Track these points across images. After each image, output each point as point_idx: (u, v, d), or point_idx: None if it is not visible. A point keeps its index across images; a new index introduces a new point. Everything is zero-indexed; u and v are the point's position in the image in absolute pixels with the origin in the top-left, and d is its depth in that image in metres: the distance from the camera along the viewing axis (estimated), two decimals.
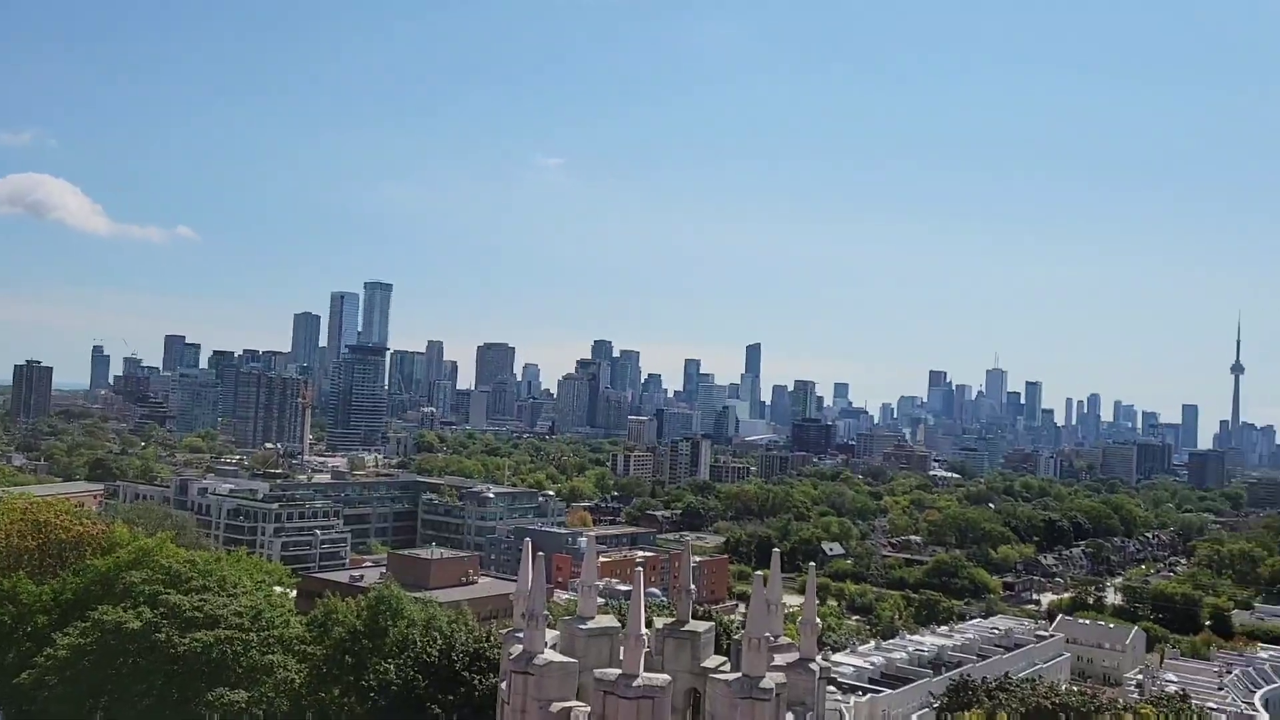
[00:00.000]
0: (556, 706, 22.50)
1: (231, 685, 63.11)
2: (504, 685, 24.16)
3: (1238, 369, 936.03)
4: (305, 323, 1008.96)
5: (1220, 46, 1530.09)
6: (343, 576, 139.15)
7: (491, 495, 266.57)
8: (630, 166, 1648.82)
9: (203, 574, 72.15)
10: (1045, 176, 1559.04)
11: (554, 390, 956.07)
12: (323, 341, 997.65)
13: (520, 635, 23.94)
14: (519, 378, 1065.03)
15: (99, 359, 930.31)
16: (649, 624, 26.26)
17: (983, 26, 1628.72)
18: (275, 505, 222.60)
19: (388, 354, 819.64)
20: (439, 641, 65.53)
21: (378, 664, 65.16)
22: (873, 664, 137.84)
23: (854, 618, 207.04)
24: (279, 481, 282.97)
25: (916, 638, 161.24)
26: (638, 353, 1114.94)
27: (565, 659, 23.62)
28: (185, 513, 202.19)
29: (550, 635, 24.92)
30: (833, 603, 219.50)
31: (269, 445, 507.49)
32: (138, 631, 63.35)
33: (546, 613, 24.21)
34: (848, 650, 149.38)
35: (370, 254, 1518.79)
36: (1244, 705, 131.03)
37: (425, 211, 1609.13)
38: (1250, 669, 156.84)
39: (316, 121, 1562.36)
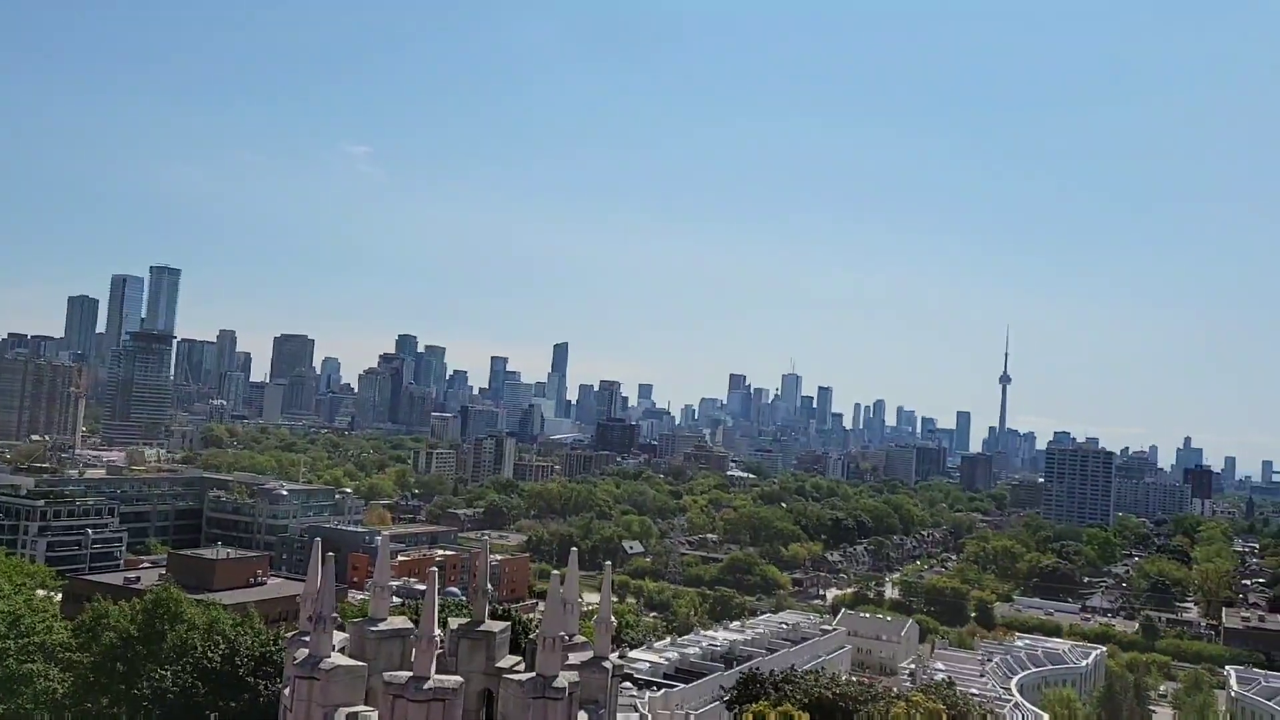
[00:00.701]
0: (343, 712, 21.92)
1: None
2: (287, 691, 23.33)
3: (1005, 379, 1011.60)
4: (81, 306, 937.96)
5: (981, 76, 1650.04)
6: (116, 578, 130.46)
7: (285, 492, 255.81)
8: (440, 160, 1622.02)
9: None
10: (837, 191, 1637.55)
11: (355, 385, 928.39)
12: (101, 327, 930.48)
13: (306, 639, 23.17)
14: (318, 371, 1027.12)
15: None
16: (444, 625, 25.96)
17: (774, 45, 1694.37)
18: (41, 502, 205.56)
19: (174, 343, 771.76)
20: (221, 646, 62.47)
21: (153, 671, 61.41)
22: (668, 660, 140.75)
23: (652, 614, 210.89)
24: (46, 477, 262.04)
25: (710, 633, 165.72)
26: (443, 349, 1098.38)
27: (353, 662, 23.04)
28: None
29: (340, 638, 24.25)
30: (631, 600, 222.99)
31: (36, 437, 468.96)
32: None
33: (336, 615, 23.53)
34: (644, 647, 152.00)
35: (157, 237, 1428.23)
36: (1002, 690, 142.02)
37: (219, 195, 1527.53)
38: (1008, 657, 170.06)
39: (100, 94, 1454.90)
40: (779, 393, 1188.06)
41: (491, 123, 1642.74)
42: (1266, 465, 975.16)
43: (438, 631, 23.04)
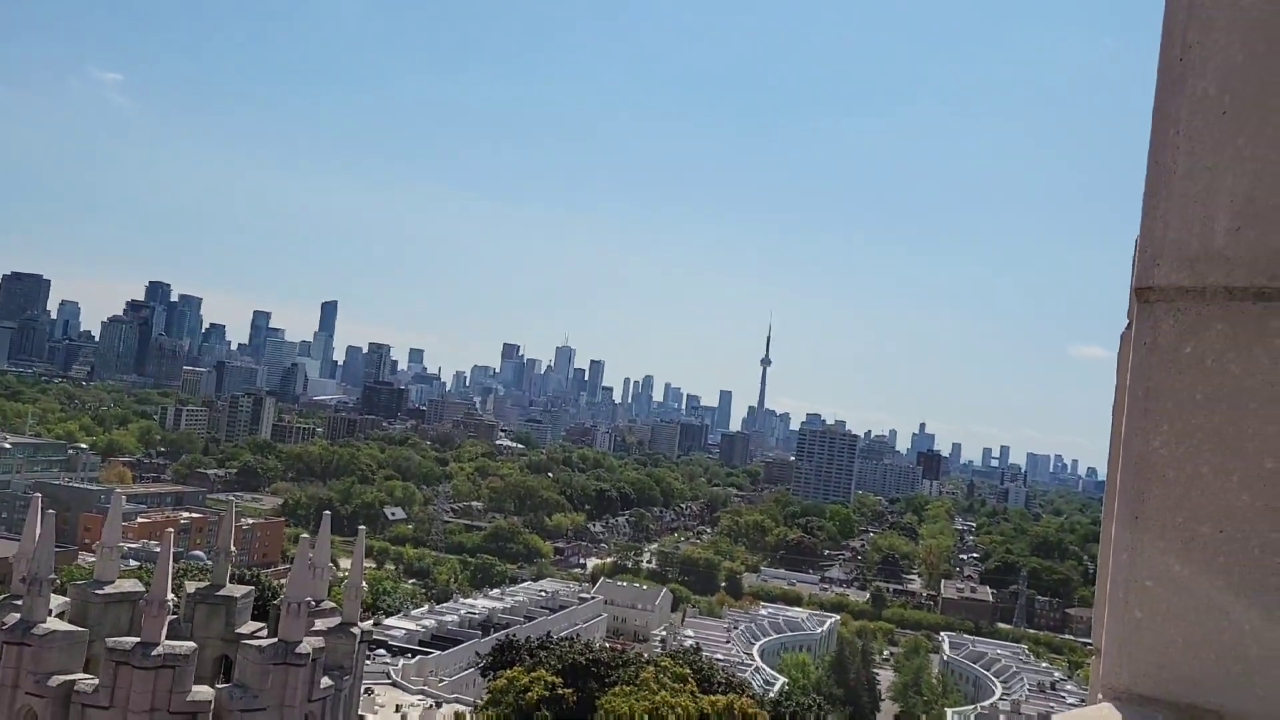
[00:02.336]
0: (57, 680, 20.42)
1: None
2: None
3: (766, 362, 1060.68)
4: None
5: (757, 71, 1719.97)
6: None
7: (8, 445, 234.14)
8: (202, 96, 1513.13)
9: None
10: (616, 171, 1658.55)
11: (96, 333, 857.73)
12: None
13: (19, 603, 21.42)
14: (54, 315, 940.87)
15: None
16: (180, 589, 24.68)
17: (571, 20, 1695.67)
18: None
19: None
20: None
21: None
22: (424, 627, 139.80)
23: (411, 581, 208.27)
24: None
25: (469, 601, 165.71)
26: (200, 299, 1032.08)
27: (71, 627, 21.51)
28: None
29: (60, 602, 22.57)
30: (391, 567, 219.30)
31: None
32: None
33: (55, 577, 21.88)
34: (402, 614, 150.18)
35: None
36: (745, 655, 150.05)
37: None
38: (753, 624, 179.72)
39: None
40: (552, 364, 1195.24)
41: (260, 63, 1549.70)
42: (986, 452, 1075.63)
43: (171, 595, 21.87)
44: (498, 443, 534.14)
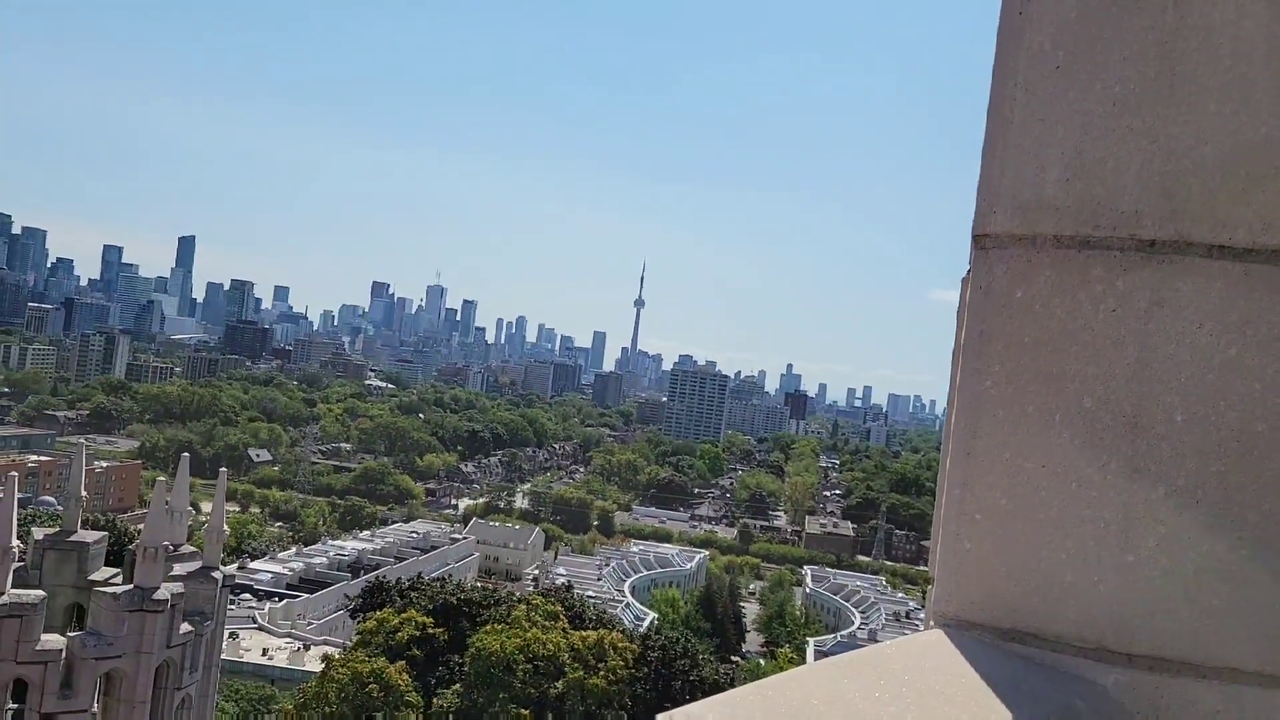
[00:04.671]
0: None
1: None
2: None
3: (640, 304, 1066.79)
4: None
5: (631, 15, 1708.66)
6: None
7: None
8: (47, 11, 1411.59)
9: None
10: (488, 106, 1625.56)
11: None
12: None
13: None
14: None
15: None
16: (27, 535, 23.72)
17: None
18: None
19: None
20: None
21: None
22: (292, 570, 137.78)
23: (277, 525, 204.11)
24: None
25: (338, 543, 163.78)
26: (45, 231, 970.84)
27: None
28: None
29: None
30: (256, 510, 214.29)
31: None
32: None
33: None
34: (268, 557, 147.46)
35: None
36: (616, 592, 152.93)
37: None
38: (624, 562, 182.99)
39: None
40: (423, 304, 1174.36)
41: None
42: (850, 392, 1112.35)
43: (16, 542, 21.01)
44: (367, 383, 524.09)
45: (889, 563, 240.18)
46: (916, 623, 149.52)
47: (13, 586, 20.14)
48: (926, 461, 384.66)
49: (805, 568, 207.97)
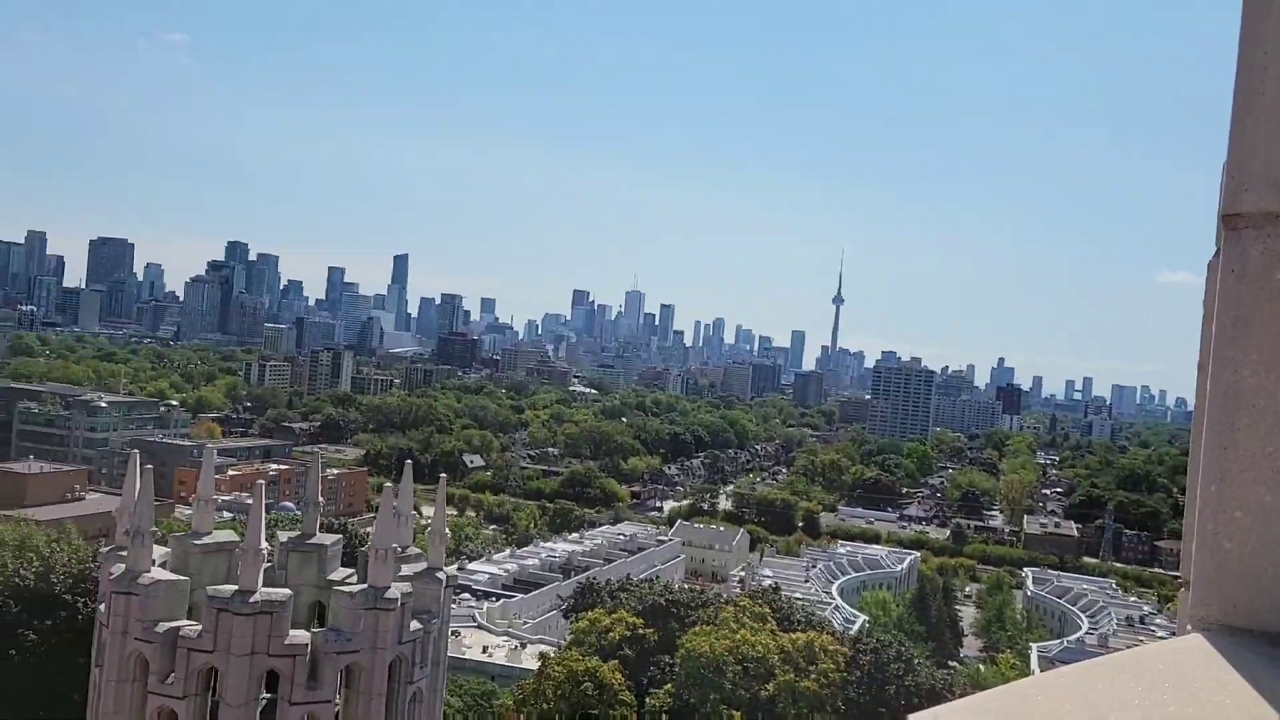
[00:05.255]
0: (163, 626, 21.39)
1: None
2: (103, 607, 22.57)
3: (839, 300, 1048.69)
4: None
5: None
6: None
7: (104, 404, 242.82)
8: (267, 55, 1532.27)
9: None
10: (684, 112, 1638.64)
11: (180, 293, 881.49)
12: None
13: (124, 553, 22.39)
14: (140, 278, 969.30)
15: None
16: (273, 538, 25.53)
17: None
18: None
19: None
20: (35, 563, 59.48)
21: None
22: (507, 571, 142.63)
23: (492, 527, 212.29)
24: None
25: (549, 545, 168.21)
26: (277, 257, 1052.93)
27: (174, 576, 22.44)
28: None
29: (161, 553, 23.54)
30: (472, 513, 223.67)
31: None
32: None
33: (155, 529, 22.80)
34: (484, 559, 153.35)
35: None
36: (824, 595, 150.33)
37: (22, 82, 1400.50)
38: (831, 563, 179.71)
39: None
40: (622, 309, 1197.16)
41: (323, 19, 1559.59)
42: (1069, 384, 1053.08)
43: (265, 544, 22.64)
44: (571, 389, 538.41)
45: (1118, 564, 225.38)
46: (1153, 628, 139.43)
47: (263, 585, 21.71)
48: (1159, 456, 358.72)
49: (1025, 570, 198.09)
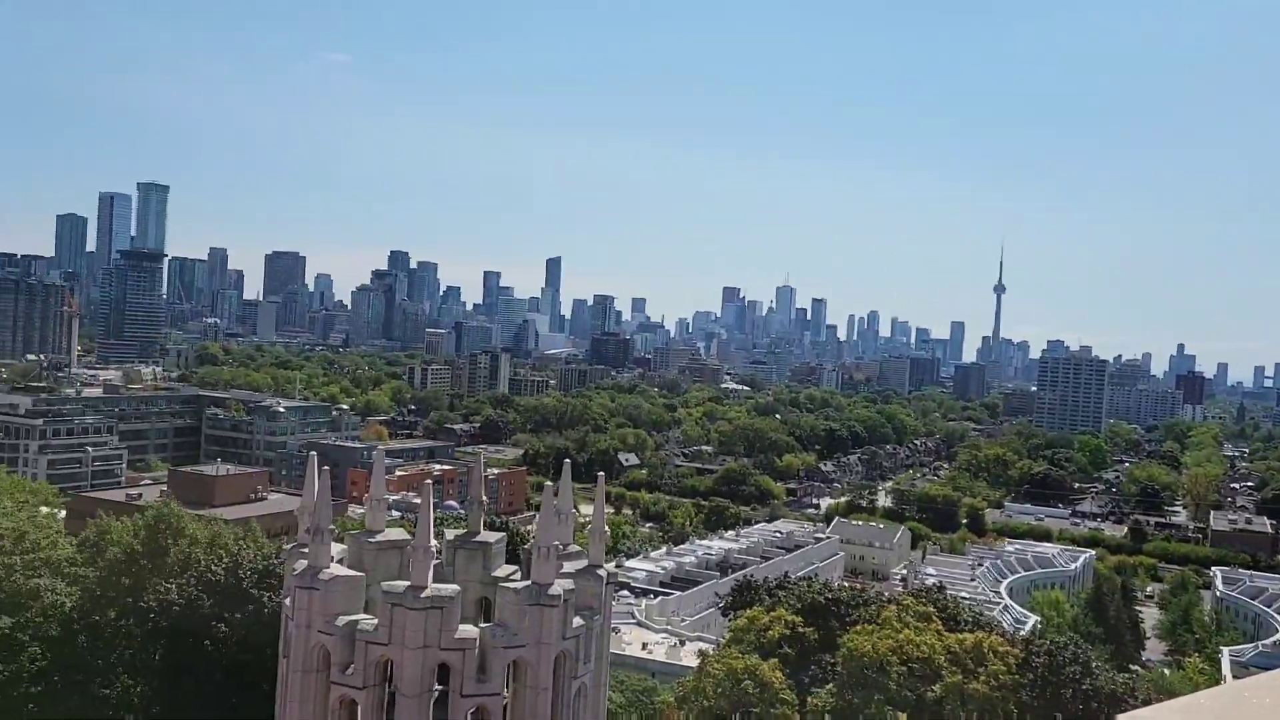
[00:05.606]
0: (343, 620, 22.37)
1: None
2: (288, 601, 23.78)
3: (1000, 289, 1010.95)
4: (70, 225, 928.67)
5: None
6: (118, 495, 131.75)
7: (282, 409, 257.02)
8: (423, 69, 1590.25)
9: None
10: (831, 104, 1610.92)
11: (348, 302, 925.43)
12: (91, 246, 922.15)
13: (305, 550, 23.54)
14: (310, 288, 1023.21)
15: None
16: (441, 536, 26.35)
17: None
18: (40, 421, 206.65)
19: (165, 260, 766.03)
20: (224, 559, 63.37)
21: (158, 584, 62.35)
22: (664, 568, 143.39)
23: (648, 525, 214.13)
24: (44, 396, 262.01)
25: (705, 543, 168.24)
26: (435, 264, 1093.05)
27: (352, 573, 23.44)
28: None
29: (338, 550, 24.63)
30: (627, 511, 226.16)
31: (31, 357, 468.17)
32: None
33: (334, 527, 23.87)
34: (641, 556, 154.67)
35: (144, 154, 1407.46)
36: (992, 594, 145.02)
37: (205, 110, 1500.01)
38: (999, 561, 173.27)
39: (73, 4, 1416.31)
40: (773, 305, 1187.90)
41: (476, 31, 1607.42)
42: (1258, 371, 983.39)
43: (434, 542, 23.38)
44: (723, 386, 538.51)
45: None
46: None
47: (432, 581, 22.43)
48: None
49: (1213, 569, 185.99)
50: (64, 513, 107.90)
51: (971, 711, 64.25)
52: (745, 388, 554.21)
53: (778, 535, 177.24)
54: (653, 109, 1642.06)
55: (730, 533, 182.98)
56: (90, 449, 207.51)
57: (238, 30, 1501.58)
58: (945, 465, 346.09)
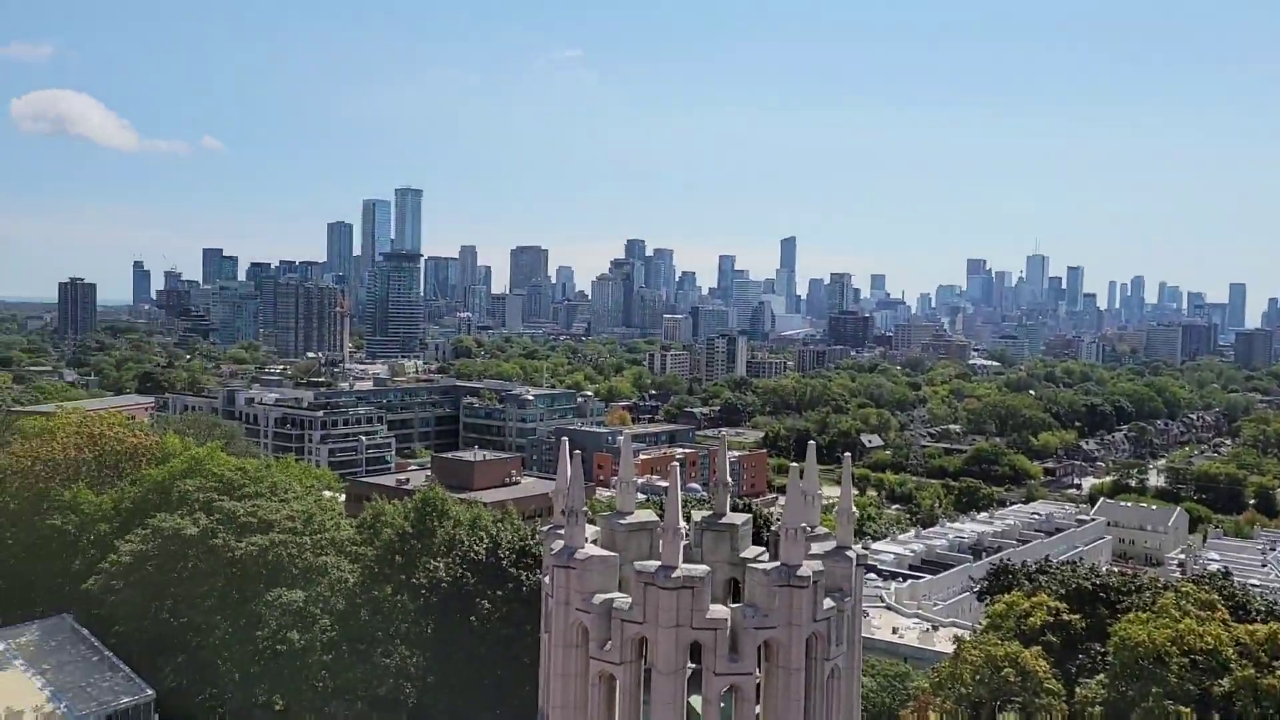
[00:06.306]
0: (599, 598, 23.05)
1: (288, 585, 65.33)
2: (547, 579, 24.76)
3: None
4: (338, 232, 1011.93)
5: None
6: (389, 480, 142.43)
7: (531, 397, 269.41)
8: (653, 57, 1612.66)
9: (254, 481, 73.91)
10: (1081, 52, 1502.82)
11: (588, 291, 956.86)
12: (357, 250, 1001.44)
13: (561, 531, 24.39)
14: (553, 280, 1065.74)
15: (139, 274, 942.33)
16: (687, 518, 26.64)
17: None
18: (320, 413, 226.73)
19: (422, 260, 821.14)
20: (485, 540, 67.03)
21: (427, 563, 66.86)
22: (913, 551, 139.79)
23: (894, 507, 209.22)
24: (322, 390, 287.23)
25: (956, 525, 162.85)
26: (671, 251, 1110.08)
27: (606, 552, 24.10)
28: (233, 422, 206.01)
29: (591, 531, 25.39)
30: (872, 493, 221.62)
31: (310, 354, 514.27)
32: (196, 537, 65.42)
33: (586, 509, 24.61)
34: (888, 539, 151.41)
35: (399, 160, 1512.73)
36: None
37: (450, 115, 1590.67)
38: None
39: (331, 26, 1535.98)
40: (1023, 275, 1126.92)
41: (704, 14, 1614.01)
42: None
43: (682, 524, 23.64)
44: (971, 362, 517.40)
45: None
46: None
47: (682, 562, 22.71)
48: None
49: None
50: (343, 496, 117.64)
51: (1267, 709, 58.41)
52: (994, 363, 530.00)
53: (1035, 517, 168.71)
54: (887, 74, 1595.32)
55: (983, 515, 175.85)
56: (364, 438, 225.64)
57: (477, 37, 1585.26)
58: (1227, 441, 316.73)
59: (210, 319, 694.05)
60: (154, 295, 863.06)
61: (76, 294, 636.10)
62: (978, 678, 62.05)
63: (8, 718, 61.55)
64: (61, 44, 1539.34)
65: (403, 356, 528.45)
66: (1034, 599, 71.66)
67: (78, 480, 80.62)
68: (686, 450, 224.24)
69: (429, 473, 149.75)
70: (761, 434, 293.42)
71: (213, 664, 65.23)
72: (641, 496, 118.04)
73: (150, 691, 66.79)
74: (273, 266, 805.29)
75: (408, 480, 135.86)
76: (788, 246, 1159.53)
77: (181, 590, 65.82)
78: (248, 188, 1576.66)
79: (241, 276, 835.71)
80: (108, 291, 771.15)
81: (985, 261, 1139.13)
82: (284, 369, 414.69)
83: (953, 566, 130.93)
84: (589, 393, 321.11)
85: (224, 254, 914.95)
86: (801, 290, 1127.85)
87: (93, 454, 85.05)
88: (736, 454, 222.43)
